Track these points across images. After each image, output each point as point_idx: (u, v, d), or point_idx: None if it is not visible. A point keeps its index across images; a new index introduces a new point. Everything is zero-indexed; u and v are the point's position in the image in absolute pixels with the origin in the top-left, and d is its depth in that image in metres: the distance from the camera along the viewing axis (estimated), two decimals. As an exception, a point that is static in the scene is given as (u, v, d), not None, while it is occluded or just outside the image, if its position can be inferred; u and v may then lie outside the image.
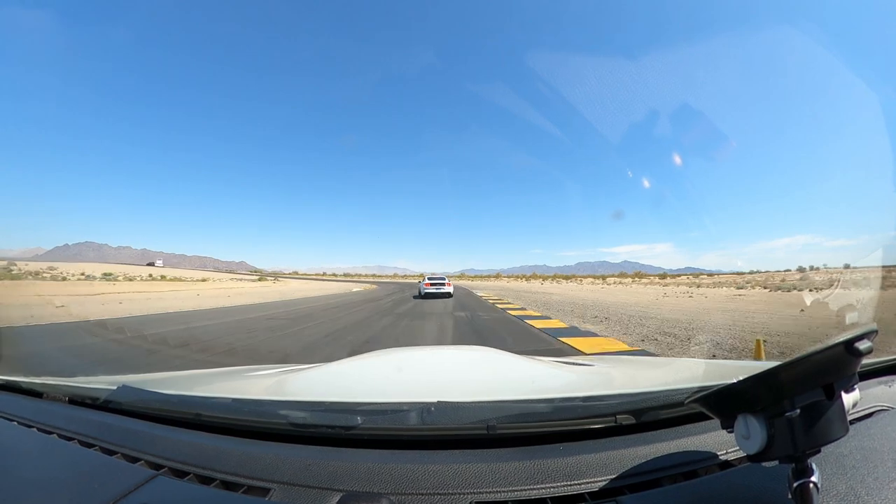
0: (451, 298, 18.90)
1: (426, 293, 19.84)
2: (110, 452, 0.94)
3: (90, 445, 0.98)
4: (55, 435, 1.06)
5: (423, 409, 0.90)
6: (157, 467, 0.86)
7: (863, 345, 0.51)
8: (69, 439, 1.02)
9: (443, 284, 20.12)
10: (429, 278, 21.13)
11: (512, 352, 2.02)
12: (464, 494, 0.72)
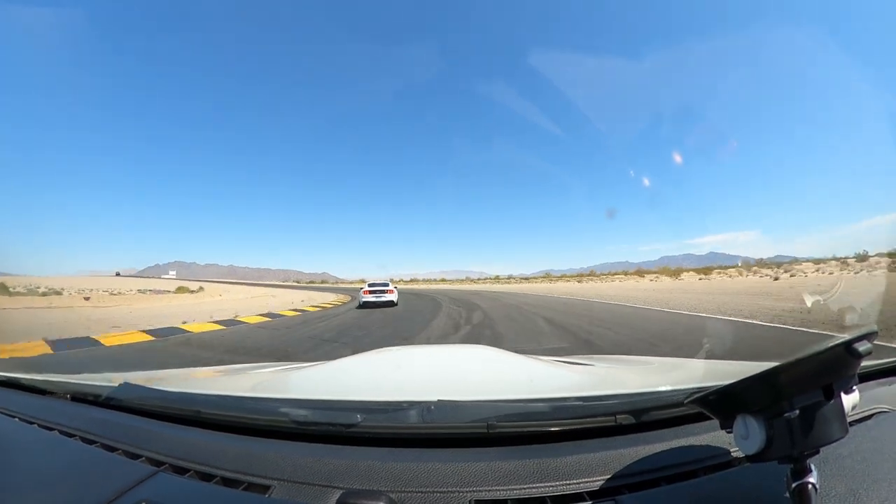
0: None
1: (365, 302, 16.72)
2: (111, 449, 0.95)
3: (91, 442, 0.99)
4: (56, 431, 1.07)
5: (423, 407, 0.91)
6: (158, 464, 0.86)
7: (863, 346, 0.51)
8: (70, 436, 1.03)
9: (384, 292, 17.08)
10: (369, 285, 17.68)
11: (511, 351, 2.01)
12: (463, 493, 0.72)
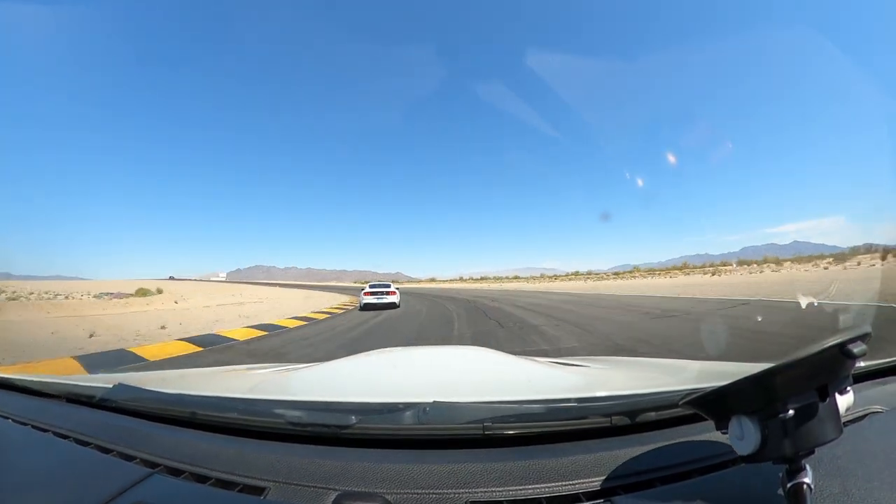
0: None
1: (366, 304, 16.15)
2: (106, 450, 0.94)
3: (86, 443, 0.99)
4: (50, 433, 1.06)
5: (419, 408, 0.91)
6: (153, 465, 0.86)
7: (857, 347, 0.52)
8: (65, 437, 1.03)
9: (385, 293, 16.50)
10: (370, 286, 17.07)
11: (507, 352, 2.00)
12: (459, 494, 0.72)
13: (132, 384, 1.23)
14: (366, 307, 16.07)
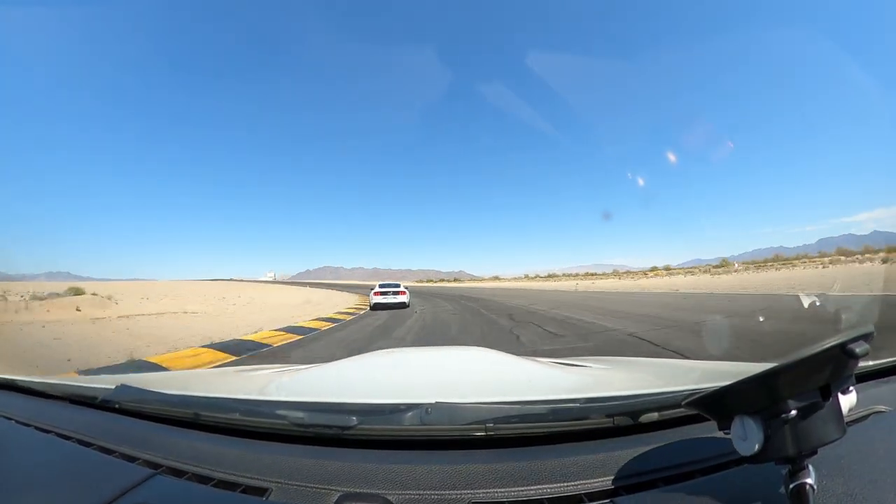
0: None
1: (376, 304, 16.20)
2: (108, 451, 0.95)
3: (88, 444, 0.99)
4: (53, 434, 1.07)
5: (421, 409, 0.91)
6: (156, 466, 0.86)
7: (859, 347, 0.51)
8: (67, 438, 1.03)
9: (395, 293, 16.50)
10: (380, 286, 17.05)
11: (509, 353, 1.99)
12: (462, 495, 0.72)
13: (134, 385, 1.23)
14: (376, 307, 16.01)
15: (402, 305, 16.45)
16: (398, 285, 17.16)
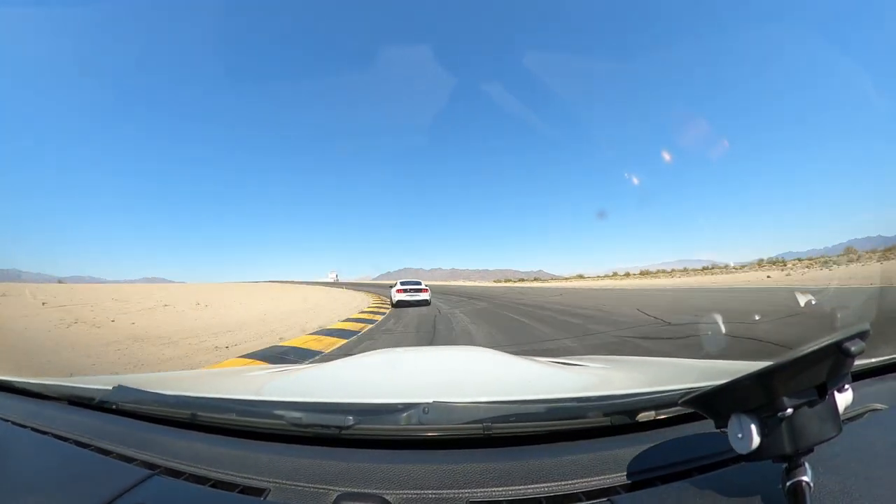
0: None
1: (399, 301, 16.25)
2: (106, 452, 0.95)
3: (85, 445, 0.99)
4: (50, 435, 1.06)
5: (419, 409, 0.91)
6: (153, 467, 0.86)
7: (854, 345, 0.52)
8: (64, 439, 1.03)
9: (418, 291, 16.51)
10: (401, 283, 16.98)
11: (506, 352, 1.99)
12: (460, 494, 0.73)
13: (132, 386, 1.23)
14: (399, 304, 16.27)
15: (425, 303, 16.71)
16: (419, 283, 17.39)
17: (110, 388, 1.23)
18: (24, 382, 1.44)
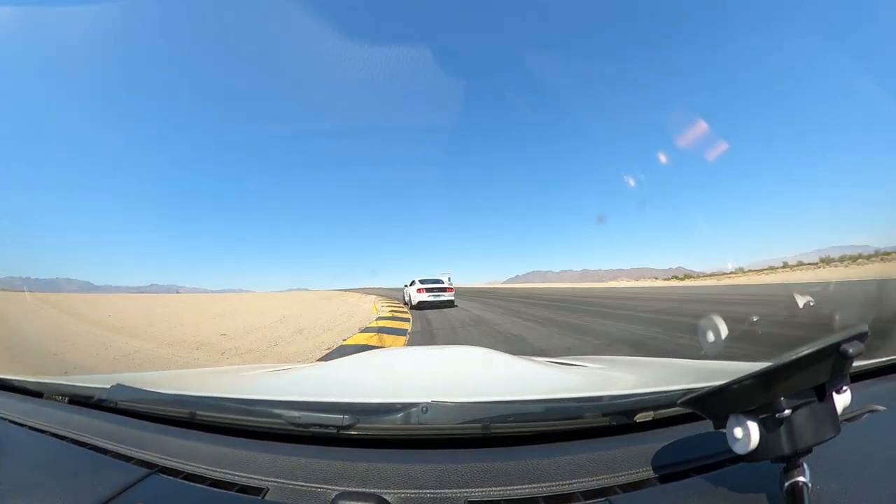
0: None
1: (420, 302, 14.14)
2: (104, 451, 0.95)
3: (84, 444, 0.99)
4: (48, 434, 1.06)
5: (418, 408, 0.91)
6: (151, 466, 0.86)
7: (853, 347, 0.52)
8: (62, 438, 1.03)
9: (442, 290, 14.59)
10: (420, 282, 14.85)
11: (505, 352, 1.99)
12: (458, 494, 0.73)
13: (130, 385, 1.23)
14: (420, 306, 14.25)
15: (450, 304, 14.80)
16: (441, 281, 15.50)
17: (109, 386, 1.23)
18: (23, 381, 1.44)
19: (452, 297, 15.07)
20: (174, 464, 0.87)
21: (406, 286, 16.04)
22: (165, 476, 0.83)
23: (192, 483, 0.81)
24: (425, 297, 14.49)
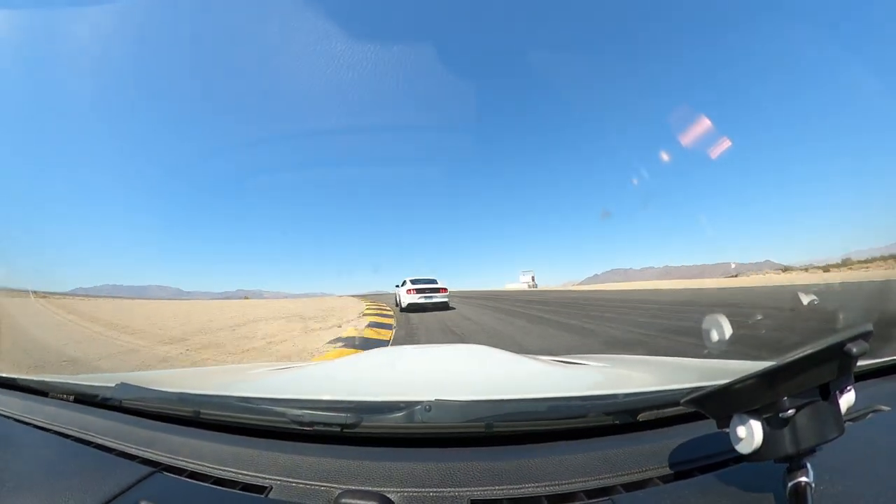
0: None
1: (409, 304, 13.30)
2: (108, 450, 0.95)
3: (88, 443, 0.99)
4: (52, 432, 1.07)
5: (421, 407, 0.91)
6: (156, 464, 0.87)
7: (858, 346, 0.52)
8: (67, 436, 1.03)
9: (434, 291, 13.59)
10: (411, 282, 13.88)
11: (508, 350, 1.99)
12: (461, 492, 0.73)
13: (135, 383, 1.23)
14: (409, 308, 13.38)
15: (444, 306, 13.77)
16: (435, 282, 14.28)
17: (113, 385, 1.23)
18: (27, 379, 1.45)
19: (446, 299, 14.05)
20: (178, 462, 0.87)
21: (397, 286, 15.09)
22: (169, 474, 0.84)
23: (195, 481, 0.82)
24: (416, 298, 13.56)
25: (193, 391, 1.18)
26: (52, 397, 1.36)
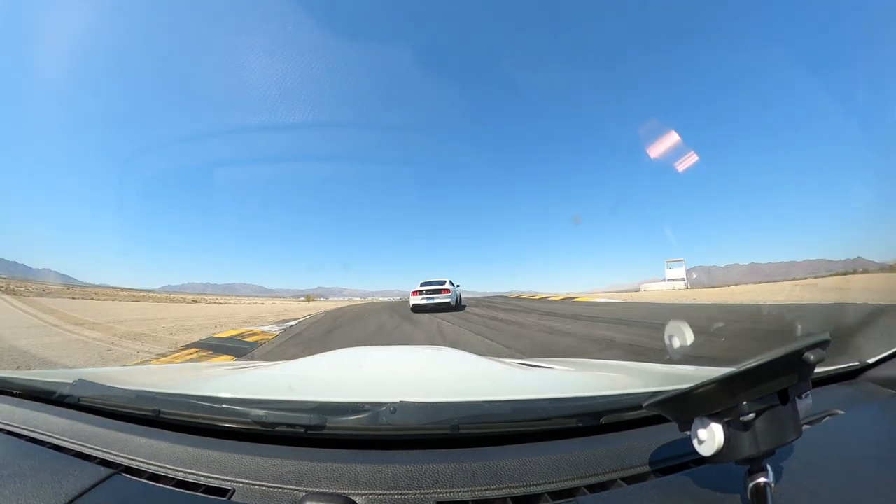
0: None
1: (414, 305, 13.64)
2: (65, 450, 0.91)
3: (43, 443, 0.95)
4: (4, 432, 1.02)
5: (386, 408, 0.90)
6: (115, 466, 0.84)
7: (815, 354, 0.54)
8: (20, 436, 0.99)
9: (437, 292, 13.62)
10: (421, 284, 14.08)
11: (475, 353, 2.01)
12: (427, 494, 0.73)
13: (93, 380, 1.18)
14: (414, 309, 13.66)
15: (447, 307, 13.71)
16: (442, 283, 14.27)
17: (71, 381, 1.18)
18: None
19: (448, 300, 13.69)
20: (138, 464, 0.84)
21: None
22: (129, 476, 0.81)
23: (156, 483, 0.79)
24: (419, 300, 13.63)
25: (155, 389, 1.14)
26: (3, 394, 1.29)
